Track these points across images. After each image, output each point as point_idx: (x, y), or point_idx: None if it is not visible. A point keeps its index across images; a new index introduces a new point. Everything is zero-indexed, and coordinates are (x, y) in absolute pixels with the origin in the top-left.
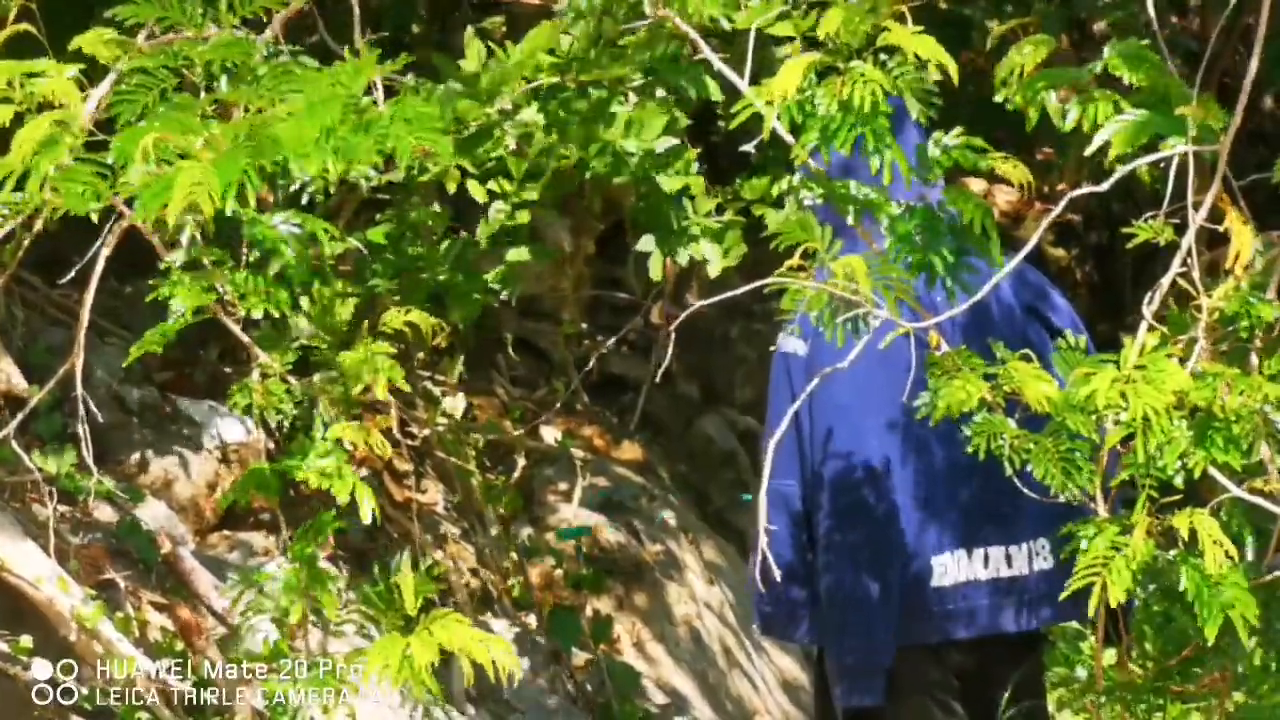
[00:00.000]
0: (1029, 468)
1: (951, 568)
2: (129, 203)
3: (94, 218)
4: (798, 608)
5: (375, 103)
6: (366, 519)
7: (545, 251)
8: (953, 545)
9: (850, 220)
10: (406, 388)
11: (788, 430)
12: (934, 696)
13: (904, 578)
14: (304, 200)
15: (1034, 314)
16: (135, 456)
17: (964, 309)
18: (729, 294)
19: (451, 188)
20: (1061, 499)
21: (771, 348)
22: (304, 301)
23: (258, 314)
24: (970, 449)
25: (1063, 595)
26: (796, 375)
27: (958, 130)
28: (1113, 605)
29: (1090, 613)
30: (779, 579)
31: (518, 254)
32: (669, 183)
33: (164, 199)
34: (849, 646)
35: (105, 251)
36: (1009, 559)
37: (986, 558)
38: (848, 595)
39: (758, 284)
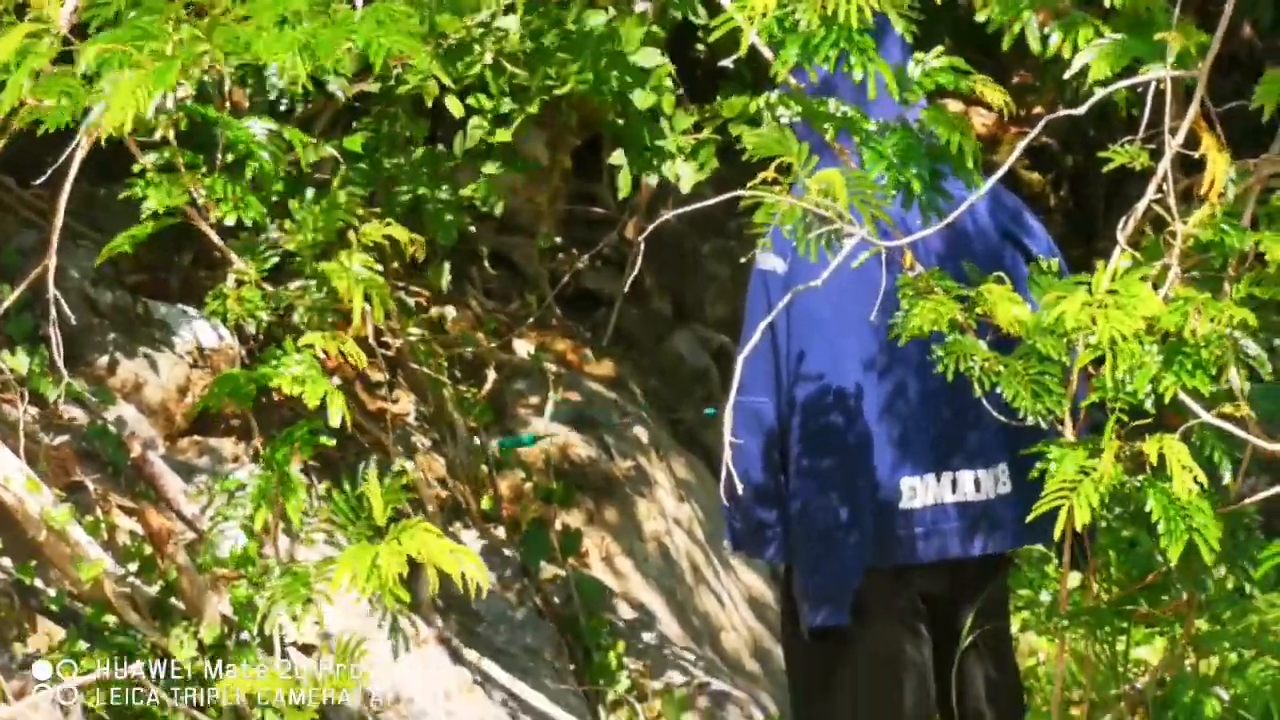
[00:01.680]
0: (997, 390)
1: (920, 491)
2: None
3: (70, 124)
4: (767, 526)
5: (354, 5)
6: (335, 422)
7: (522, 165)
8: (922, 468)
9: (828, 138)
10: (390, 304)
11: (764, 347)
12: (900, 619)
13: (874, 500)
14: (281, 108)
15: (1009, 236)
16: (105, 359)
17: (939, 228)
18: (701, 204)
19: (429, 100)
20: (1029, 422)
21: (744, 260)
22: (288, 206)
23: (230, 220)
24: (939, 370)
25: (1030, 517)
26: (775, 293)
27: (939, 50)
28: (1079, 528)
29: (1057, 535)
30: (749, 496)
31: (493, 168)
32: (642, 99)
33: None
34: (818, 567)
35: (80, 154)
36: (977, 483)
37: (955, 481)
38: (818, 516)
39: (732, 195)
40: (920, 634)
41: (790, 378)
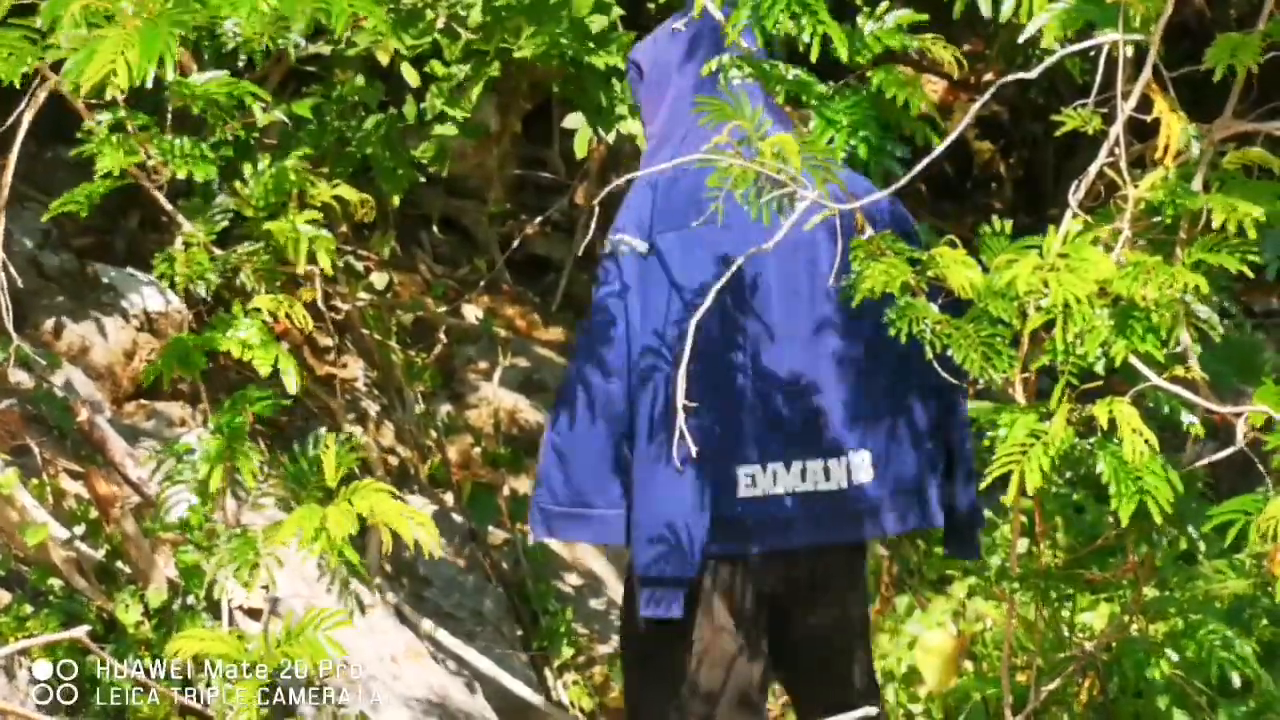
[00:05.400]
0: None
1: (760, 479)
2: (55, 67)
3: (15, 81)
4: (593, 507)
5: None
6: (292, 389)
7: (473, 129)
8: (766, 457)
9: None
10: (333, 261)
11: (619, 329)
12: (737, 609)
13: (714, 488)
14: (239, 64)
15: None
16: (51, 322)
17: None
18: (653, 168)
19: (385, 59)
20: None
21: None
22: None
23: (181, 175)
24: (892, 332)
25: (983, 485)
26: (629, 271)
27: (885, 5)
28: (1030, 493)
29: (1009, 501)
30: (580, 477)
31: (445, 129)
32: (599, 61)
33: (84, 67)
34: (657, 556)
35: (29, 115)
36: (827, 472)
37: (804, 470)
38: (660, 503)
39: (684, 159)
40: (758, 625)
41: (640, 360)
